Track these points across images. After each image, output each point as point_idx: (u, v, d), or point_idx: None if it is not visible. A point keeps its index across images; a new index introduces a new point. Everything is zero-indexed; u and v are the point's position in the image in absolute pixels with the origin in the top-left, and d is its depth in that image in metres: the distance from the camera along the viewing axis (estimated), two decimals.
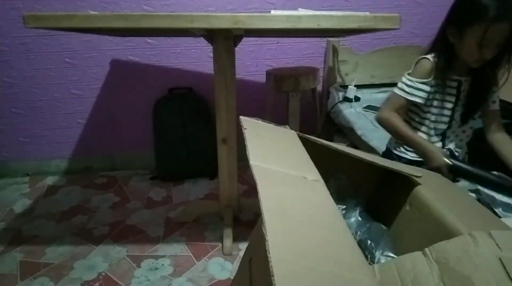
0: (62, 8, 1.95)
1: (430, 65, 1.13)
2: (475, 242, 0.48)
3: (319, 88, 2.24)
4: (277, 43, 2.19)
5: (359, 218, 0.76)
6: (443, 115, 1.18)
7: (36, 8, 1.94)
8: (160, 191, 2.03)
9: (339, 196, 0.79)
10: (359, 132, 1.78)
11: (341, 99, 2.12)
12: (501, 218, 0.76)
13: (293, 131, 0.75)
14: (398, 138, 1.22)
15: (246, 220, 1.73)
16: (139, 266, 1.43)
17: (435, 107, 1.18)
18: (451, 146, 1.24)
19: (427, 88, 1.13)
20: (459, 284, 0.44)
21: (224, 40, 1.37)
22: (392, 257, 0.66)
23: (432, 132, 1.22)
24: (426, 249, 0.50)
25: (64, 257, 1.50)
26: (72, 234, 1.65)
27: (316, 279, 0.33)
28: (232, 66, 1.43)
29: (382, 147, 1.48)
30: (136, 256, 1.49)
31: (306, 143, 0.71)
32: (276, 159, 0.56)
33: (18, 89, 2.09)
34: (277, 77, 1.89)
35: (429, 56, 1.14)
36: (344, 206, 0.78)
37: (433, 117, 1.19)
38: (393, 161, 0.82)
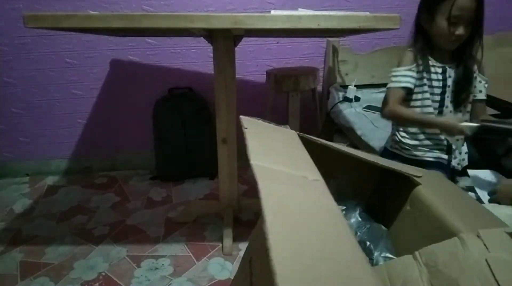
0: (62, 8, 1.95)
1: (413, 54, 1.21)
2: (463, 245, 0.48)
3: (319, 88, 2.24)
4: (277, 43, 2.19)
5: (359, 219, 0.76)
6: (434, 101, 1.23)
7: (36, 8, 1.94)
8: (160, 191, 2.03)
9: (339, 196, 0.79)
10: (359, 132, 1.78)
11: (341, 99, 2.12)
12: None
13: (293, 131, 0.75)
14: (410, 124, 1.25)
15: (246, 220, 1.73)
16: (139, 266, 1.43)
17: (425, 94, 1.23)
18: (450, 138, 1.25)
19: (413, 73, 1.20)
20: None
21: (224, 40, 1.37)
22: (391, 258, 0.66)
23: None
24: (416, 253, 0.51)
25: (64, 257, 1.50)
26: (72, 234, 1.65)
27: (318, 278, 0.33)
28: (232, 66, 1.43)
29: (382, 147, 1.48)
30: (136, 256, 1.49)
31: (306, 143, 0.71)
32: (277, 159, 0.56)
33: (18, 89, 2.09)
34: (277, 77, 1.89)
35: (411, 48, 1.23)
36: (344, 207, 0.78)
37: (426, 104, 1.23)
38: (393, 161, 0.82)
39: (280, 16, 1.00)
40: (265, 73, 2.03)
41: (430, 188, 0.71)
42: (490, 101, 1.56)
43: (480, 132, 1.05)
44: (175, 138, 2.10)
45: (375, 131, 1.72)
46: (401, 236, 0.73)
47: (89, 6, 1.97)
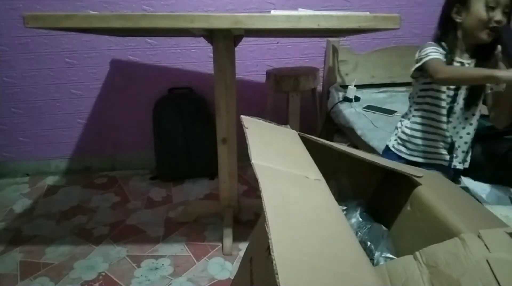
0: (62, 8, 1.95)
1: (436, 44, 1.18)
2: (464, 245, 0.48)
3: (319, 88, 2.24)
4: (277, 43, 2.19)
5: (360, 219, 0.76)
6: (448, 96, 1.21)
7: (36, 8, 1.94)
8: (160, 191, 2.03)
9: (339, 196, 0.79)
10: (359, 132, 1.78)
11: (341, 99, 2.12)
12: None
13: (294, 131, 0.75)
14: (466, 79, 1.11)
15: (246, 220, 1.73)
16: (139, 266, 1.43)
17: (441, 87, 1.21)
18: (454, 136, 1.24)
19: (442, 51, 1.17)
20: None
21: (224, 40, 1.37)
22: (391, 259, 0.66)
23: (443, 117, 1.23)
24: (417, 253, 0.51)
25: (64, 257, 1.49)
26: (72, 234, 1.65)
27: (319, 277, 0.33)
28: (232, 66, 1.43)
29: (382, 147, 1.48)
30: (136, 256, 1.49)
31: (306, 143, 0.71)
32: (278, 158, 0.56)
33: (18, 89, 2.08)
34: (277, 77, 1.89)
35: (430, 41, 1.21)
36: (345, 207, 0.78)
37: (439, 97, 1.22)
38: (394, 161, 0.82)
39: (280, 16, 1.00)
40: (265, 73, 2.02)
41: (431, 188, 0.71)
42: None
43: None
44: (175, 138, 2.10)
45: (375, 131, 1.72)
46: (401, 236, 0.73)
47: (89, 6, 1.97)
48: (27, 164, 2.23)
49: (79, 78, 2.11)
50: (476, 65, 1.18)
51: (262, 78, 2.16)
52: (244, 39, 1.56)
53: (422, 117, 1.28)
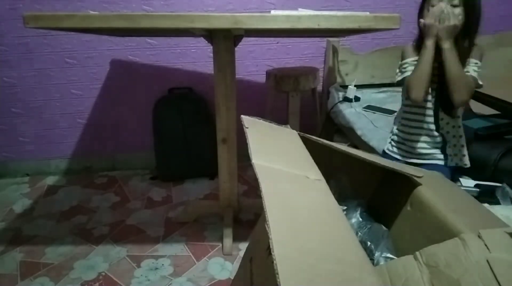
0: (62, 8, 1.95)
1: (412, 46, 1.25)
2: (465, 245, 0.48)
3: (319, 88, 2.24)
4: (277, 43, 2.19)
5: (360, 219, 0.76)
6: (432, 89, 1.23)
7: (36, 8, 1.94)
8: (160, 191, 2.03)
9: (340, 196, 0.79)
10: (359, 132, 1.78)
11: (341, 99, 2.12)
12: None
13: (294, 131, 0.75)
14: (421, 75, 1.17)
15: (246, 220, 1.73)
16: (139, 266, 1.43)
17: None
18: (444, 134, 1.25)
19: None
20: None
21: (224, 40, 1.37)
22: (391, 259, 0.66)
23: (429, 118, 1.25)
24: (417, 253, 0.51)
25: (64, 257, 1.49)
26: (72, 234, 1.65)
27: (320, 276, 0.33)
28: (232, 66, 1.43)
29: (382, 147, 1.49)
30: (136, 256, 1.49)
31: (306, 143, 0.71)
32: (278, 158, 0.56)
33: (18, 89, 2.08)
34: (277, 77, 1.89)
35: (410, 43, 1.27)
36: (345, 207, 0.78)
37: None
38: (394, 161, 0.82)
39: (280, 16, 1.00)
40: (265, 73, 2.02)
41: (431, 188, 0.71)
42: (490, 101, 1.56)
43: None
44: (175, 138, 2.10)
45: (375, 131, 1.72)
46: (402, 236, 0.73)
47: (89, 6, 1.97)
48: (27, 164, 2.23)
49: (79, 78, 2.11)
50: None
51: (262, 78, 2.16)
52: (244, 39, 1.56)
53: (410, 119, 1.30)
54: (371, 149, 1.62)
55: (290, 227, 0.38)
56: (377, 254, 0.67)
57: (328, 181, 0.58)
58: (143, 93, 2.18)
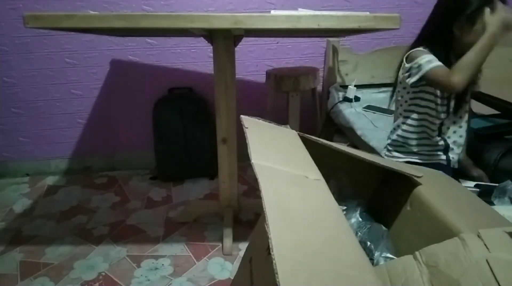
0: (62, 8, 1.95)
1: (423, 51, 1.18)
2: (464, 245, 0.48)
3: (319, 88, 2.24)
4: (277, 43, 2.19)
5: (360, 219, 0.76)
6: (438, 104, 1.21)
7: (36, 8, 1.94)
8: (160, 191, 2.03)
9: (339, 196, 0.79)
10: (359, 132, 1.78)
11: (341, 99, 2.12)
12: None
13: (293, 131, 0.75)
14: (475, 61, 1.10)
15: (246, 220, 1.73)
16: (139, 266, 1.43)
17: (432, 95, 1.21)
18: (451, 140, 1.25)
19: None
20: None
21: (224, 40, 1.37)
22: (391, 258, 0.66)
23: (435, 126, 1.23)
24: (417, 253, 0.51)
25: (64, 257, 1.50)
26: (72, 234, 1.65)
27: (319, 277, 0.33)
28: (232, 66, 1.43)
29: (382, 147, 1.49)
30: (136, 256, 1.49)
31: (306, 143, 0.71)
32: (278, 158, 0.56)
33: (18, 89, 2.08)
34: (277, 77, 1.89)
35: (421, 48, 1.19)
36: (345, 207, 0.78)
37: (437, 102, 1.21)
38: (394, 161, 0.82)
39: (280, 16, 1.00)
40: (265, 73, 2.03)
41: (431, 188, 0.71)
42: (490, 101, 1.56)
43: None
44: (175, 138, 2.10)
45: (375, 131, 1.72)
46: (401, 236, 0.73)
47: (89, 6, 1.97)
48: (27, 164, 2.23)
49: (79, 78, 2.11)
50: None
51: (262, 78, 2.16)
52: (244, 39, 1.56)
53: (415, 124, 1.27)
54: (371, 149, 1.62)
55: (290, 227, 0.38)
56: (376, 254, 0.67)
57: (328, 181, 0.59)
58: (143, 93, 2.18)
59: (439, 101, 1.21)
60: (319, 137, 0.73)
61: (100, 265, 1.44)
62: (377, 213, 0.80)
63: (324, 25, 1.01)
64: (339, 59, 2.18)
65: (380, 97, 2.20)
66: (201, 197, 1.97)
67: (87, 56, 2.07)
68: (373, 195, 0.86)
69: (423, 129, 1.26)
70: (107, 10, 2.00)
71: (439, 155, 1.27)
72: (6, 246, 1.57)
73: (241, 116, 0.69)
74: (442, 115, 1.22)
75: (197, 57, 2.15)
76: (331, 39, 2.14)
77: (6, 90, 2.08)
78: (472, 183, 1.23)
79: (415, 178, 0.73)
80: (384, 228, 0.75)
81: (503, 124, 1.49)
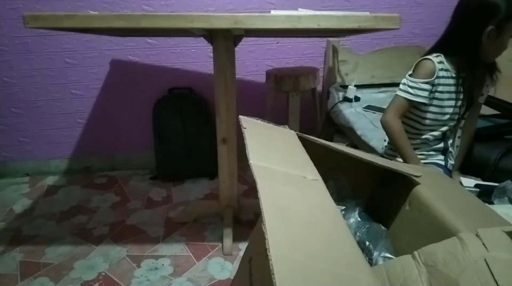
0: (62, 8, 1.95)
1: (433, 66, 1.14)
2: (462, 244, 0.48)
3: (319, 88, 2.24)
4: (277, 43, 2.19)
5: (358, 219, 0.76)
6: (443, 113, 1.19)
7: (36, 8, 1.94)
8: (160, 191, 2.03)
9: (338, 196, 0.79)
10: (359, 132, 1.78)
11: (341, 99, 2.12)
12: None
13: (292, 131, 0.75)
14: (394, 145, 1.22)
15: (246, 220, 1.73)
16: (139, 266, 1.43)
17: (436, 106, 1.18)
18: (452, 143, 1.25)
19: (430, 87, 1.15)
20: None
21: (224, 40, 1.37)
22: (390, 258, 0.66)
23: (433, 133, 1.23)
24: (415, 252, 0.51)
25: (64, 257, 1.50)
26: (72, 234, 1.65)
27: (316, 277, 0.33)
28: (232, 66, 1.43)
29: (382, 147, 1.49)
30: (136, 256, 1.49)
31: (305, 143, 0.71)
32: (276, 159, 0.56)
33: (18, 89, 2.09)
34: (277, 77, 1.89)
35: (431, 57, 1.15)
36: (344, 206, 0.78)
37: (433, 116, 1.20)
38: (393, 161, 0.82)
39: (280, 16, 1.00)
40: (265, 73, 2.03)
41: (430, 188, 0.71)
42: (490, 101, 1.56)
43: None
44: (175, 138, 2.10)
45: (375, 131, 1.72)
46: (400, 236, 0.73)
47: (89, 6, 1.97)
48: (27, 164, 2.24)
49: (79, 78, 2.11)
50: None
51: (262, 78, 2.16)
52: (244, 39, 1.56)
53: (414, 127, 1.27)
54: (371, 149, 1.62)
55: (287, 228, 0.38)
56: (375, 253, 0.67)
57: (326, 181, 0.59)
58: (143, 93, 2.18)
59: (446, 109, 1.20)
60: (319, 137, 0.73)
61: (100, 265, 1.44)
62: (375, 213, 0.80)
63: (324, 25, 1.01)
64: (339, 59, 2.18)
65: (380, 97, 2.20)
66: (201, 197, 1.97)
67: (87, 56, 2.07)
68: (372, 195, 0.87)
69: (425, 134, 1.26)
70: (107, 10, 2.00)
71: (438, 156, 1.27)
72: (6, 246, 1.58)
73: (240, 116, 0.69)
74: (451, 123, 1.22)
75: (197, 57, 2.15)
76: (331, 39, 2.14)
77: (6, 90, 2.08)
78: (472, 183, 1.23)
79: (414, 177, 0.73)
80: (383, 227, 0.75)
81: (503, 124, 1.48)
